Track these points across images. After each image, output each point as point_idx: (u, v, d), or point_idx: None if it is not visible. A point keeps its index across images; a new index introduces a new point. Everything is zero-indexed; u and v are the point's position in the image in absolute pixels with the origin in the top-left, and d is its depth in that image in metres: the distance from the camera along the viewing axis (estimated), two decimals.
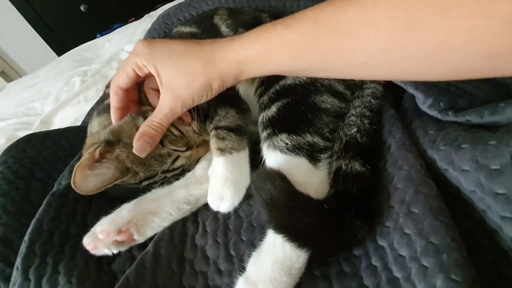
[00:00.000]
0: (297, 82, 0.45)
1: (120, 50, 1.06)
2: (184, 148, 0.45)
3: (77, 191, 0.38)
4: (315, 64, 0.34)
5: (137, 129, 0.43)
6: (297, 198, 0.33)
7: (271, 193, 0.33)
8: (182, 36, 0.59)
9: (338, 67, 0.33)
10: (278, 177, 0.35)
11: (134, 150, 0.39)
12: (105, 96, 0.55)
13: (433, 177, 0.33)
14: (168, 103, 0.39)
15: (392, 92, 0.45)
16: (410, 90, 0.40)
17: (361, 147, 0.38)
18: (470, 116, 0.34)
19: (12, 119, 0.90)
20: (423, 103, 0.38)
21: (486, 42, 0.23)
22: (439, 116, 0.36)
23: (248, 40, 0.36)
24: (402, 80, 0.41)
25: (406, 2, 0.25)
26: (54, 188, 0.49)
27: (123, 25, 1.45)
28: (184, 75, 0.38)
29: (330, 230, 0.32)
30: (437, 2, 0.24)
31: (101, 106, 0.53)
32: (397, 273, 0.30)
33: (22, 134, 0.70)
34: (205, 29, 0.59)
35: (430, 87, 0.39)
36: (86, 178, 0.38)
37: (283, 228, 0.32)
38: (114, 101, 0.44)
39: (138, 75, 0.41)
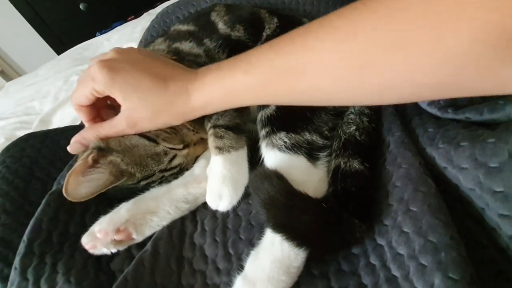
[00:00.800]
0: None
1: None
2: (180, 146, 0.45)
3: (69, 198, 0.37)
4: (276, 101, 0.38)
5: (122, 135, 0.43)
6: (295, 197, 0.32)
7: (269, 192, 0.33)
8: (179, 35, 0.59)
9: (298, 101, 0.36)
10: (276, 176, 0.35)
11: (68, 148, 0.43)
12: None
13: (432, 175, 0.33)
14: (124, 128, 0.41)
15: None
16: None
17: (360, 145, 0.38)
18: (470, 113, 0.34)
19: (12, 118, 0.90)
20: (423, 100, 0.38)
21: (437, 73, 0.24)
22: (438, 113, 0.36)
23: (210, 87, 0.37)
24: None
25: (354, 47, 0.27)
26: (53, 188, 0.49)
27: (123, 23, 1.45)
28: (148, 111, 0.39)
29: (328, 229, 0.32)
30: (384, 43, 0.25)
31: None
32: (396, 272, 0.29)
33: (21, 133, 0.70)
34: (202, 27, 0.59)
35: None
36: (78, 185, 0.38)
37: (281, 227, 0.32)
38: (82, 117, 0.45)
39: (97, 97, 0.41)
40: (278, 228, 0.32)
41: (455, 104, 0.37)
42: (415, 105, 0.41)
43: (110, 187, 0.40)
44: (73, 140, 0.43)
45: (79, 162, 0.40)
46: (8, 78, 2.08)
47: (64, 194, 0.37)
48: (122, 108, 0.40)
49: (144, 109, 0.39)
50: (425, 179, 0.32)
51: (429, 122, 0.37)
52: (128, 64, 0.39)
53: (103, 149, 0.41)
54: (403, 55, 0.24)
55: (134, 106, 0.39)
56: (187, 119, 0.42)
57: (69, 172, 0.38)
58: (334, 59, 0.28)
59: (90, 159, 0.40)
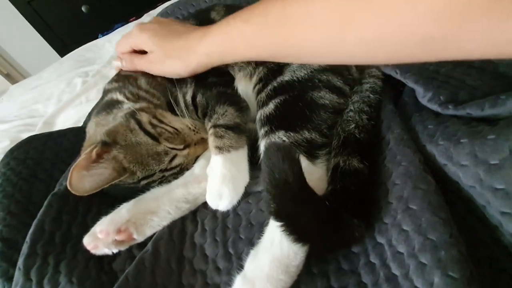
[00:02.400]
0: (294, 78, 0.45)
1: None
2: (181, 146, 0.45)
3: (73, 192, 0.38)
4: (272, 53, 0.39)
5: (131, 131, 0.43)
6: (305, 190, 0.32)
7: (286, 175, 0.31)
8: None
9: (289, 55, 0.39)
10: (298, 163, 0.32)
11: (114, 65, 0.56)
12: (104, 94, 0.56)
13: (432, 172, 0.33)
14: (147, 64, 0.51)
15: (391, 87, 0.45)
16: (410, 84, 0.40)
17: (359, 143, 0.38)
18: (471, 109, 0.33)
19: (16, 121, 0.91)
20: (423, 96, 0.38)
21: (415, 30, 0.25)
22: (439, 109, 0.35)
23: (214, 34, 0.43)
24: (358, 63, 0.44)
25: (338, 2, 0.28)
26: (56, 189, 0.49)
27: (124, 24, 1.45)
28: (161, 52, 0.49)
29: (328, 227, 0.32)
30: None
31: (99, 105, 0.54)
32: (396, 270, 0.29)
33: (25, 135, 0.71)
34: (201, 22, 0.59)
35: (430, 81, 0.38)
36: (82, 179, 0.39)
37: (283, 217, 0.31)
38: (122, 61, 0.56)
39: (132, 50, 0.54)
40: (280, 216, 0.31)
41: (455, 100, 0.36)
42: (415, 102, 0.40)
43: (113, 182, 0.41)
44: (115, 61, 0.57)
45: (82, 156, 0.40)
46: (13, 81, 2.10)
47: (68, 187, 0.38)
48: (148, 53, 0.51)
49: (159, 51, 0.49)
50: (425, 176, 0.31)
51: (429, 119, 0.36)
52: (156, 23, 0.53)
53: (109, 143, 0.42)
54: (384, 11, 0.25)
55: (153, 49, 0.49)
56: (193, 69, 0.47)
57: (73, 166, 0.38)
58: (322, 11, 0.30)
59: (94, 153, 0.41)
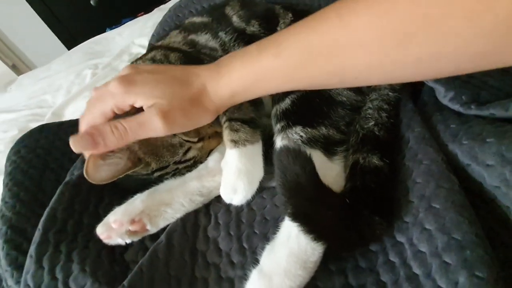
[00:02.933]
0: None
1: (130, 43, 1.06)
2: (195, 139, 0.45)
3: (89, 180, 0.38)
4: (308, 84, 0.35)
5: None
6: (321, 189, 0.31)
7: (298, 176, 0.31)
8: (194, 26, 0.59)
9: (330, 84, 0.35)
10: (310, 163, 0.32)
11: (70, 141, 0.34)
12: None
13: (454, 172, 0.32)
14: (158, 126, 0.35)
15: (410, 85, 0.44)
16: (430, 83, 0.39)
17: (378, 140, 0.38)
18: (495, 109, 0.33)
19: (24, 110, 0.91)
20: (444, 96, 0.37)
21: (474, 46, 0.24)
22: (461, 109, 0.35)
23: (238, 74, 0.35)
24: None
25: (393, 22, 0.26)
26: (67, 178, 0.49)
27: (133, 19, 1.45)
28: (178, 101, 0.36)
29: (347, 225, 0.31)
30: (424, 18, 0.25)
31: None
32: (417, 270, 0.29)
33: (34, 125, 0.71)
34: (216, 18, 0.59)
35: (451, 80, 0.38)
36: (98, 168, 0.38)
37: (300, 218, 0.31)
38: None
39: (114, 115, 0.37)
40: (296, 217, 0.31)
41: (478, 100, 0.36)
42: (435, 101, 0.40)
43: (129, 172, 0.40)
44: (85, 133, 0.36)
45: None
46: (19, 72, 2.10)
47: (85, 175, 0.37)
48: (148, 105, 0.35)
49: (173, 100, 0.35)
50: (448, 175, 0.31)
51: (451, 118, 0.36)
52: (145, 72, 0.37)
53: None
54: (444, 29, 0.24)
55: (161, 98, 0.35)
56: (218, 111, 0.39)
57: (90, 155, 0.38)
58: (373, 36, 0.27)
59: None
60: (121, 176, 0.39)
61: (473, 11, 0.22)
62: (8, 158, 0.55)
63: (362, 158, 0.36)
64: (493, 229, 0.30)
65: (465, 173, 0.32)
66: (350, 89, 0.43)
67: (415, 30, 0.25)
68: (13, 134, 0.78)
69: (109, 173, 0.39)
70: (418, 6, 0.25)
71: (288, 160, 0.31)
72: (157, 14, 1.18)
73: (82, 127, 0.38)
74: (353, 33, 0.28)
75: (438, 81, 0.38)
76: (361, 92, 0.44)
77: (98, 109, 0.37)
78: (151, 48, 0.62)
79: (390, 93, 0.42)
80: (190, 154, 0.44)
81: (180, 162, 0.44)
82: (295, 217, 0.31)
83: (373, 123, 0.39)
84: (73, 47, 1.33)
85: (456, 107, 0.36)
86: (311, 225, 0.30)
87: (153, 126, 0.35)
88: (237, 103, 0.39)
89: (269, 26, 0.57)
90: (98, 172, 0.38)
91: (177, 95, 0.36)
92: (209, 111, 0.38)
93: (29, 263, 0.37)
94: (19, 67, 2.25)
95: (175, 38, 0.56)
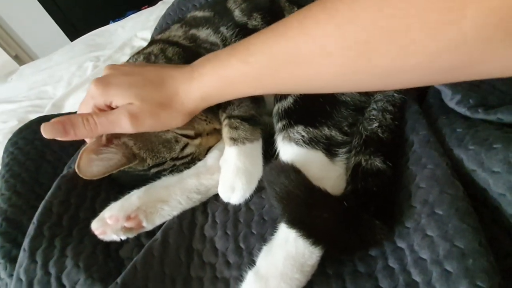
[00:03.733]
0: None
1: (133, 36, 1.05)
2: (192, 133, 0.44)
3: (80, 175, 0.37)
4: (277, 90, 0.37)
5: None
6: (315, 193, 0.31)
7: (286, 187, 0.32)
8: (195, 21, 0.58)
9: (299, 90, 0.37)
10: (293, 170, 0.33)
11: (41, 127, 0.36)
12: None
13: (459, 178, 0.31)
14: (125, 123, 0.37)
15: (416, 87, 0.43)
16: (437, 85, 0.38)
17: (382, 142, 0.37)
18: (502, 114, 0.32)
19: (24, 101, 0.91)
20: (451, 99, 0.36)
21: (437, 61, 0.24)
22: (468, 113, 0.34)
23: (209, 78, 0.36)
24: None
25: (354, 33, 0.25)
26: (64, 171, 0.48)
27: (137, 11, 1.44)
28: (148, 104, 0.37)
29: (347, 229, 0.31)
30: (384, 31, 0.24)
31: None
32: (416, 277, 0.28)
33: (33, 116, 0.70)
34: (217, 13, 0.58)
35: (458, 83, 0.37)
36: (91, 163, 0.38)
37: (297, 223, 0.31)
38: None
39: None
40: (294, 224, 0.31)
41: (485, 103, 0.35)
42: (442, 104, 0.39)
43: (122, 168, 0.40)
44: (55, 121, 0.37)
45: (93, 140, 0.39)
46: (21, 62, 2.10)
47: (76, 170, 0.37)
48: (121, 105, 0.37)
49: (144, 103, 0.37)
50: (453, 181, 0.30)
51: (457, 122, 0.35)
52: (121, 74, 0.39)
53: None
54: (404, 43, 0.24)
55: (133, 100, 0.37)
56: (191, 113, 0.40)
57: (83, 149, 0.37)
58: (334, 46, 0.27)
59: (104, 137, 0.40)
60: (114, 172, 0.39)
61: (436, 25, 0.21)
62: (6, 149, 0.54)
63: (364, 161, 0.35)
64: (497, 237, 0.30)
65: (470, 179, 0.31)
66: None
67: (376, 42, 0.25)
68: (13, 125, 0.78)
69: (101, 168, 0.38)
70: (378, 18, 0.24)
71: (273, 174, 0.33)
72: (161, 7, 1.17)
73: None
74: (315, 42, 0.28)
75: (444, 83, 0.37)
76: (366, 92, 0.43)
77: (83, 110, 0.40)
78: (151, 41, 0.61)
79: (395, 95, 0.41)
80: (188, 151, 0.44)
81: (177, 158, 0.43)
82: (292, 224, 0.31)
83: (377, 124, 0.38)
84: (76, 39, 1.32)
85: (462, 110, 0.35)
86: (308, 230, 0.30)
87: (121, 125, 0.37)
88: (210, 105, 0.40)
89: (273, 20, 0.56)
90: (90, 167, 0.37)
91: (148, 98, 0.37)
92: (180, 113, 0.39)
93: (22, 257, 0.37)
94: (21, 57, 2.24)
95: (176, 32, 0.55)
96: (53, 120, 0.37)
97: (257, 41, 0.33)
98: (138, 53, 0.54)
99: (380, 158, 0.35)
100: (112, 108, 0.38)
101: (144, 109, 0.37)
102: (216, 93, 0.37)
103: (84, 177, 0.38)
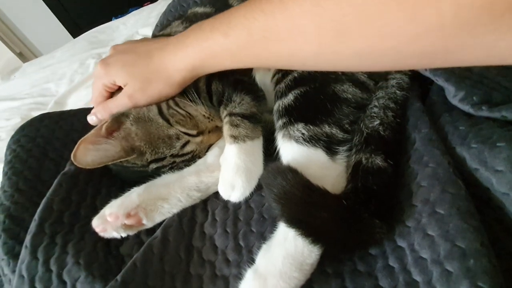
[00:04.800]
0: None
1: (134, 33, 1.05)
2: (194, 132, 0.44)
3: (75, 163, 0.38)
4: (258, 65, 0.38)
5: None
6: (313, 192, 0.31)
7: (284, 187, 0.32)
8: (196, 17, 0.57)
9: (279, 66, 0.38)
10: (289, 171, 0.33)
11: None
12: None
13: (461, 177, 0.31)
14: (126, 102, 0.43)
15: (419, 84, 0.42)
16: (440, 82, 0.37)
17: (383, 140, 0.36)
18: (507, 111, 0.31)
19: (27, 99, 0.91)
20: (454, 96, 0.35)
21: (415, 44, 0.23)
22: (471, 110, 0.33)
23: (192, 49, 0.38)
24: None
25: (330, 11, 0.25)
26: (65, 169, 0.49)
27: (139, 8, 1.43)
28: (138, 81, 0.42)
29: (346, 228, 0.30)
30: (360, 10, 0.24)
31: None
32: (417, 276, 0.28)
33: (36, 114, 0.70)
34: (219, 9, 0.57)
35: (462, 79, 0.36)
36: (87, 153, 0.39)
37: (296, 223, 0.30)
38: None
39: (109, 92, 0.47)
40: (293, 223, 0.31)
41: (489, 101, 0.34)
42: (445, 101, 0.38)
43: (118, 161, 0.40)
44: (89, 116, 0.48)
45: (92, 131, 0.40)
46: (25, 60, 2.11)
47: (72, 158, 0.38)
48: (123, 85, 0.44)
49: (135, 81, 0.42)
50: (455, 180, 0.30)
51: (460, 120, 0.34)
52: (118, 53, 0.45)
53: (122, 114, 0.42)
54: (381, 24, 0.23)
55: (127, 80, 0.42)
56: (180, 84, 0.42)
57: (81, 139, 0.38)
58: (311, 24, 0.27)
59: (104, 129, 0.40)
60: (110, 164, 0.39)
61: (413, 7, 0.21)
62: (8, 147, 0.55)
63: (365, 159, 0.35)
64: (499, 237, 0.29)
65: (472, 178, 0.31)
66: (356, 86, 0.42)
67: (352, 23, 0.25)
68: (16, 122, 0.78)
69: (97, 158, 0.39)
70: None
71: (270, 177, 0.33)
72: (162, 4, 1.16)
73: (95, 104, 0.49)
74: (292, 19, 0.28)
75: (448, 79, 0.37)
76: (368, 89, 0.42)
77: (95, 90, 0.47)
78: (152, 38, 0.61)
79: (397, 92, 0.40)
80: (188, 148, 0.44)
81: (177, 155, 0.43)
82: (290, 223, 0.31)
83: (378, 122, 0.38)
84: (79, 36, 1.32)
85: (466, 108, 0.34)
86: (307, 229, 0.29)
87: (125, 105, 0.44)
88: (197, 77, 0.42)
89: None
90: (85, 156, 0.38)
91: (138, 76, 0.42)
92: (169, 84, 0.42)
93: (24, 254, 0.37)
94: (25, 54, 2.25)
95: (177, 28, 0.55)
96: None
97: (239, 14, 0.33)
98: None
99: (381, 156, 0.35)
100: (117, 86, 0.45)
101: (136, 87, 0.42)
102: (200, 64, 0.39)
103: (79, 165, 0.39)
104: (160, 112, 0.43)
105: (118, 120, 0.42)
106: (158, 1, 1.30)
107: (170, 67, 0.40)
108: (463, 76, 0.36)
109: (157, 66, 0.41)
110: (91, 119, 0.47)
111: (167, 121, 0.43)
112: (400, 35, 0.23)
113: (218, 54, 0.36)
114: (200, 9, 0.61)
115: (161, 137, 0.42)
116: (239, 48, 0.34)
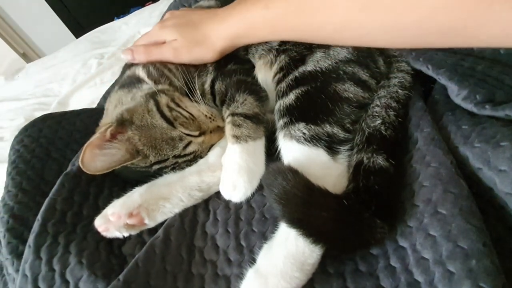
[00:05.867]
0: (317, 69, 0.42)
1: (136, 33, 1.05)
2: (196, 133, 0.44)
3: (84, 170, 0.38)
4: (295, 36, 0.42)
5: (148, 111, 0.42)
6: (314, 192, 0.31)
7: (284, 187, 0.32)
8: None
9: (311, 38, 0.41)
10: (290, 171, 0.33)
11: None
12: (126, 68, 0.55)
13: (464, 176, 0.30)
14: (169, 55, 0.49)
15: (421, 83, 0.42)
16: (443, 80, 0.37)
17: (385, 140, 0.36)
18: (511, 110, 0.31)
19: (31, 99, 0.92)
20: (457, 95, 0.35)
21: (435, 19, 0.26)
22: (474, 109, 0.33)
23: (233, 21, 0.44)
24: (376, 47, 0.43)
25: None
26: (68, 169, 0.49)
27: (140, 8, 1.44)
28: (186, 40, 0.48)
29: (347, 228, 0.30)
30: None
31: (120, 81, 0.53)
32: (418, 277, 0.28)
33: (39, 114, 0.71)
34: (224, 2, 0.57)
35: (465, 78, 0.35)
36: (94, 158, 0.38)
37: (297, 223, 0.30)
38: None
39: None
40: (294, 223, 0.31)
41: (493, 99, 0.34)
42: (447, 100, 0.38)
43: (125, 164, 0.40)
44: (126, 49, 0.53)
45: (97, 135, 0.40)
46: (29, 60, 2.12)
47: (80, 165, 0.38)
48: (169, 41, 0.50)
49: (184, 39, 0.48)
50: (457, 179, 0.29)
51: (463, 119, 0.34)
52: (174, 17, 0.53)
53: (124, 121, 0.42)
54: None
55: (177, 37, 0.49)
56: (221, 52, 0.48)
57: (87, 143, 0.38)
58: None
59: (108, 132, 0.40)
60: (117, 168, 0.39)
61: None
62: (12, 147, 0.55)
63: (366, 158, 0.35)
64: (502, 237, 0.29)
65: (475, 178, 0.31)
66: (357, 85, 0.41)
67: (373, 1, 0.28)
68: (19, 122, 0.79)
69: (105, 163, 0.38)
70: None
71: (270, 178, 0.33)
72: (164, 3, 1.17)
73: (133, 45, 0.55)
74: None
75: (451, 78, 0.36)
76: (369, 88, 0.42)
77: (143, 38, 0.54)
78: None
79: (399, 91, 0.40)
80: (190, 149, 0.44)
81: (179, 156, 0.43)
82: (291, 223, 0.31)
83: (380, 121, 0.37)
84: (81, 35, 1.33)
85: (469, 106, 0.34)
86: (308, 229, 0.29)
87: (167, 56, 0.50)
88: (237, 46, 0.48)
89: None
90: (94, 162, 0.38)
91: (187, 36, 0.48)
92: (211, 51, 0.48)
93: (28, 253, 0.38)
94: (29, 55, 2.27)
95: None
96: (127, 48, 0.53)
97: None
98: None
99: (382, 156, 0.34)
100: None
101: (182, 44, 0.48)
102: (241, 34, 0.44)
103: (88, 172, 0.39)
104: (163, 115, 0.43)
105: (122, 124, 0.42)
106: (159, 1, 1.30)
107: (214, 36, 0.46)
108: (466, 74, 0.36)
109: (204, 33, 0.47)
110: (125, 54, 0.52)
111: (171, 123, 0.43)
112: (421, 7, 0.25)
113: (258, 25, 0.41)
114: (205, 3, 0.61)
115: (164, 140, 0.42)
116: (278, 19, 0.39)
